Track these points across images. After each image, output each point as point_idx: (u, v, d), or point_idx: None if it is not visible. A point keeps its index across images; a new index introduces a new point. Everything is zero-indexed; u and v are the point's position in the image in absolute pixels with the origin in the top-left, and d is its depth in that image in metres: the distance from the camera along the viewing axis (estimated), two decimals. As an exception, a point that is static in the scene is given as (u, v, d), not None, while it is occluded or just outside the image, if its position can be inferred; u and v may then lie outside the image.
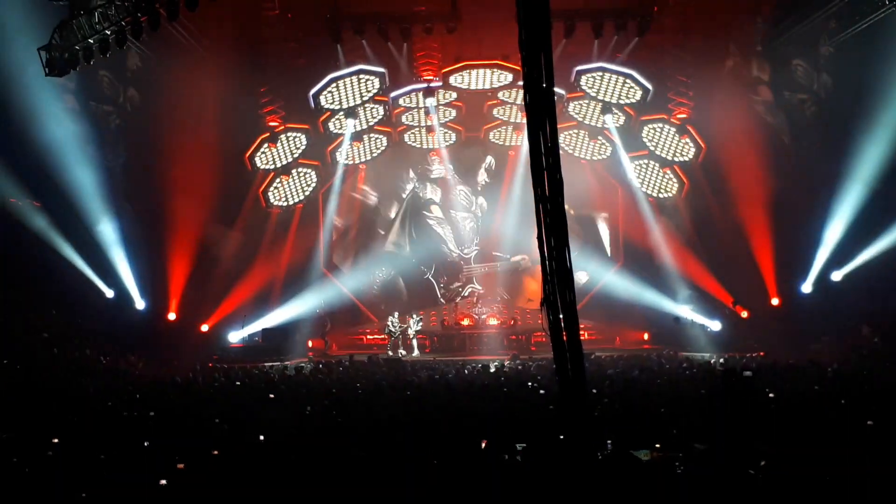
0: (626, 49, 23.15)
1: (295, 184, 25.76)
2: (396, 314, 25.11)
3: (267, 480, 7.96)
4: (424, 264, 27.46)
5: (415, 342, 24.60)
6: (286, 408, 12.39)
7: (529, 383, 14.83)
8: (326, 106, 24.03)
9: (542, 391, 13.39)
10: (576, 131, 25.57)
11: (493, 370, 17.93)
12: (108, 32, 16.85)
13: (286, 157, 25.10)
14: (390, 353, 23.75)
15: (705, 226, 24.54)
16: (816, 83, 23.18)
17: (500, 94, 24.34)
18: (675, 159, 24.98)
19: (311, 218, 26.37)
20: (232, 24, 22.24)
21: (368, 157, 26.52)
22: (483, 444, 8.43)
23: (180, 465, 8.40)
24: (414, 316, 25.14)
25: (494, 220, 27.31)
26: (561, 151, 6.09)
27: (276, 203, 25.59)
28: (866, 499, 6.93)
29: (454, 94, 24.42)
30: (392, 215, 27.54)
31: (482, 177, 27.50)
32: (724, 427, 9.13)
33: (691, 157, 24.61)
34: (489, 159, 27.39)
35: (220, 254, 24.18)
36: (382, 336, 26.25)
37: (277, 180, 25.41)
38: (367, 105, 24.45)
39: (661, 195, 25.72)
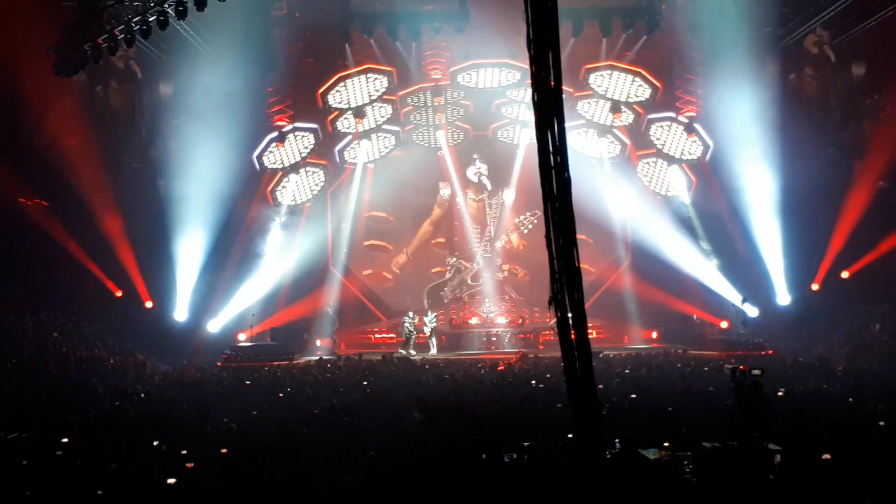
0: (634, 47, 23.09)
1: (303, 183, 25.74)
2: (411, 313, 24.87)
3: (274, 480, 7.98)
4: (434, 262, 27.47)
5: (433, 340, 24.50)
6: (295, 407, 12.43)
7: (533, 381, 14.86)
8: (334, 105, 24.05)
9: (549, 390, 13.40)
10: (585, 130, 25.50)
11: (500, 368, 17.92)
12: (117, 32, 16.90)
13: (294, 156, 25.11)
14: (402, 352, 23.57)
15: (713, 224, 24.37)
16: (826, 80, 23.08)
17: (507, 93, 24.31)
18: (683, 157, 24.87)
19: (319, 217, 26.34)
20: (240, 23, 22.22)
21: (377, 156, 26.48)
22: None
23: (189, 465, 8.45)
24: (429, 314, 25.00)
25: (504, 217, 27.32)
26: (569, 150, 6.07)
27: (284, 202, 25.56)
28: (876, 498, 6.91)
29: (462, 93, 24.40)
30: (400, 213, 27.46)
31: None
32: (732, 426, 9.12)
33: (699, 155, 24.51)
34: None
35: None
36: (391, 335, 26.16)
37: (286, 179, 25.39)
38: (375, 104, 24.46)
39: (668, 193, 25.60)
